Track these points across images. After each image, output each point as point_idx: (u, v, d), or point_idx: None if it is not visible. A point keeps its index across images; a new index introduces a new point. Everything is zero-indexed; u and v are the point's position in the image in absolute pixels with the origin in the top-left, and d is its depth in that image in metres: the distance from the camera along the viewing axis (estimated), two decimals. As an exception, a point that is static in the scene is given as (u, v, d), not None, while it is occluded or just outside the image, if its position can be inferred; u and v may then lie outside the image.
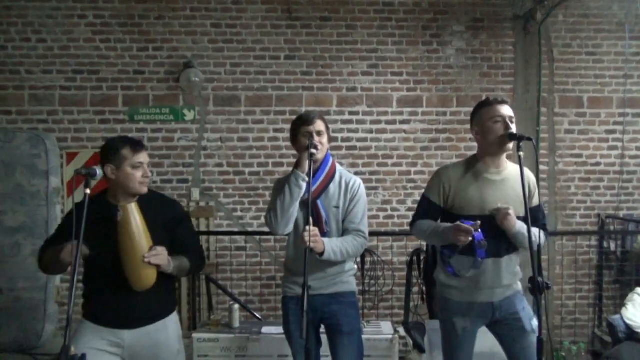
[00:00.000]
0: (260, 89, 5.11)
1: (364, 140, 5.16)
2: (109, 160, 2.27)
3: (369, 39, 5.15)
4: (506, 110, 2.43)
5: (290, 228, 2.61)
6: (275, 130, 5.12)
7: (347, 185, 2.63)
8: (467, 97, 5.19)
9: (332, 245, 2.51)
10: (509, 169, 2.48)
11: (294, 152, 5.09)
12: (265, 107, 5.11)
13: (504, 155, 2.46)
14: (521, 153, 2.25)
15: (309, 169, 2.40)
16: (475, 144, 5.27)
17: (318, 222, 2.55)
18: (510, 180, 2.44)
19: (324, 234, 2.54)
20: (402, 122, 5.19)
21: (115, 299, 2.29)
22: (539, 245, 2.32)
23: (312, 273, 2.55)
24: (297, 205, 2.56)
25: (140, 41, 5.03)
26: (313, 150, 2.46)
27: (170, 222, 2.36)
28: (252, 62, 5.10)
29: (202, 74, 4.99)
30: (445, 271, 2.54)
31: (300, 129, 2.59)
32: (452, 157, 5.16)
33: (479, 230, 2.30)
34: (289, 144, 5.22)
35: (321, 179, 2.60)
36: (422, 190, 5.07)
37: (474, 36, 5.21)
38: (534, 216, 2.39)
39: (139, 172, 2.28)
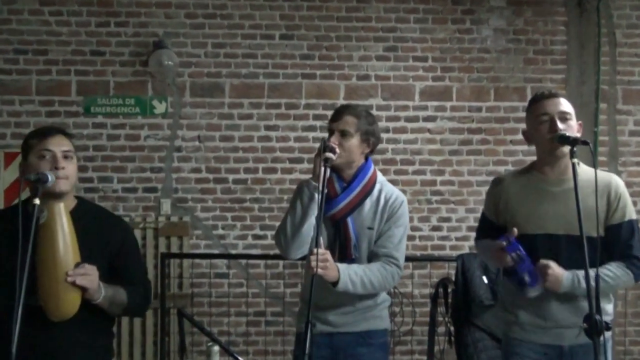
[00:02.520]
0: (249, 75, 5.15)
1: (378, 141, 5.19)
2: (22, 155, 2.26)
3: (386, 15, 5.20)
4: (555, 106, 2.45)
5: (304, 251, 2.63)
6: (267, 128, 5.15)
7: (386, 201, 2.63)
8: (508, 89, 5.23)
9: (349, 273, 2.49)
10: (579, 176, 2.45)
11: (289, 154, 5.22)
12: (255, 99, 5.15)
13: (564, 161, 2.46)
14: (575, 160, 2.27)
15: (323, 177, 2.40)
16: (518, 147, 5.27)
17: (345, 246, 2.57)
18: (578, 190, 2.43)
19: (351, 260, 2.56)
20: (426, 119, 5.23)
21: (28, 341, 2.09)
22: (596, 276, 2.30)
23: (338, 306, 2.57)
24: (312, 222, 2.57)
25: (100, 14, 5.08)
26: (328, 154, 2.45)
27: (111, 245, 2.30)
28: (239, 42, 5.14)
29: (177, 56, 5.04)
30: (505, 305, 2.60)
31: (329, 125, 2.65)
32: (487, 163, 5.20)
33: (512, 240, 2.32)
34: (283, 144, 5.35)
35: (356, 191, 2.62)
36: (451, 205, 5.20)
37: (517, 13, 5.26)
38: (613, 238, 2.40)
39: (46, 162, 2.20)
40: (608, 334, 2.43)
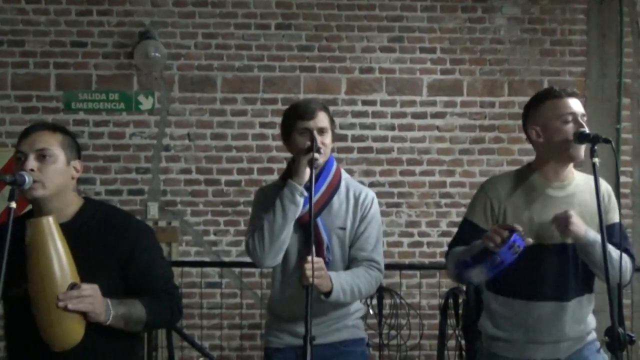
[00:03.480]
0: (243, 68, 5.16)
1: (383, 139, 5.21)
2: None
3: (391, 3, 5.22)
4: (579, 107, 2.47)
5: (279, 259, 2.64)
6: (263, 125, 5.16)
7: (356, 199, 2.67)
8: (523, 83, 5.24)
9: (341, 282, 2.53)
10: (577, 181, 2.53)
11: (287, 154, 5.17)
12: (250, 94, 5.16)
13: (571, 165, 2.51)
14: (596, 159, 2.29)
15: (311, 179, 2.42)
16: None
17: (318, 248, 2.57)
18: (578, 195, 2.48)
19: (325, 264, 2.56)
20: (435, 115, 5.24)
21: None
22: (618, 285, 2.34)
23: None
24: (291, 228, 2.59)
25: (81, 2, 5.09)
26: (317, 155, 2.49)
27: (119, 254, 2.19)
28: (232, 32, 5.15)
29: (165, 47, 5.04)
30: (491, 319, 2.59)
31: (296, 124, 2.63)
32: (501, 163, 5.20)
33: (522, 236, 2.31)
34: (280, 143, 5.25)
35: (322, 189, 2.64)
36: (461, 209, 5.18)
37: (533, 0, 5.27)
38: (608, 239, 2.41)
39: (19, 165, 2.13)
40: (594, 336, 2.57)
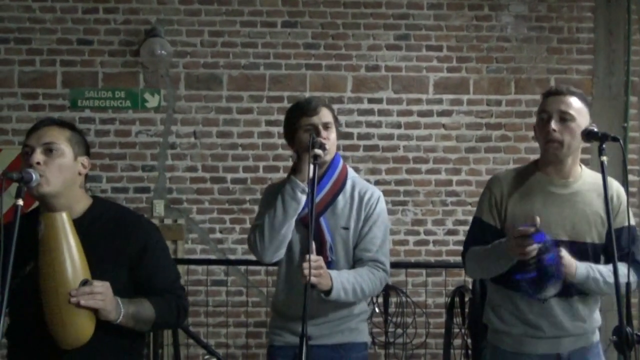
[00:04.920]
0: (249, 66, 5.16)
1: (389, 137, 5.21)
2: None
3: (398, 1, 5.21)
4: (556, 104, 2.45)
5: (280, 254, 2.65)
6: (269, 123, 5.17)
7: (361, 198, 2.65)
8: (530, 81, 5.23)
9: (342, 281, 2.52)
10: (583, 179, 2.52)
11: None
12: (256, 91, 5.16)
13: (568, 162, 2.50)
14: (604, 158, 2.27)
15: (313, 176, 2.39)
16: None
17: (321, 248, 2.58)
18: (583, 194, 2.48)
19: (328, 264, 2.57)
20: (441, 113, 5.23)
21: None
22: (627, 284, 2.34)
23: (312, 316, 2.54)
24: (292, 224, 2.60)
25: (88, 0, 5.09)
26: (319, 151, 2.46)
27: (129, 252, 2.19)
28: (238, 29, 5.16)
29: (171, 45, 5.05)
30: (494, 312, 2.61)
31: (299, 121, 2.62)
32: (508, 161, 5.19)
33: (540, 230, 2.29)
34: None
35: (327, 188, 2.64)
36: (467, 207, 5.18)
37: (540, -2, 5.27)
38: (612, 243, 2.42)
39: (25, 160, 2.13)
40: (597, 338, 2.58)
